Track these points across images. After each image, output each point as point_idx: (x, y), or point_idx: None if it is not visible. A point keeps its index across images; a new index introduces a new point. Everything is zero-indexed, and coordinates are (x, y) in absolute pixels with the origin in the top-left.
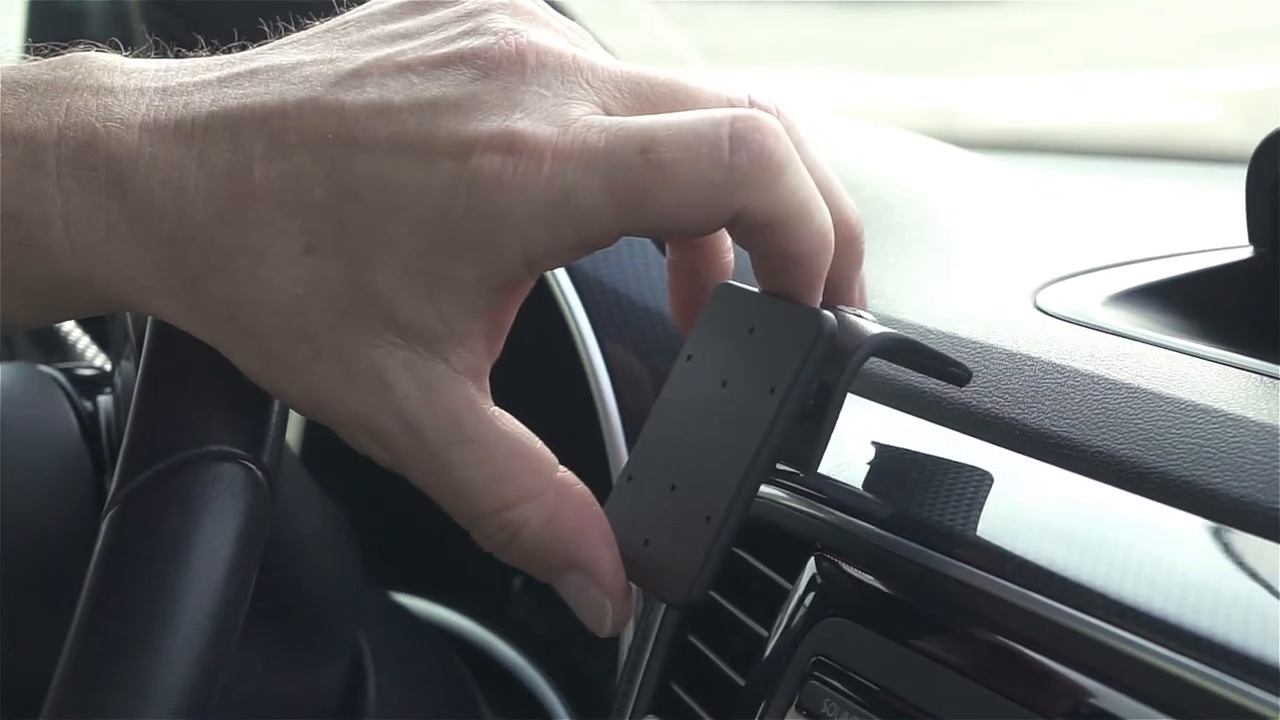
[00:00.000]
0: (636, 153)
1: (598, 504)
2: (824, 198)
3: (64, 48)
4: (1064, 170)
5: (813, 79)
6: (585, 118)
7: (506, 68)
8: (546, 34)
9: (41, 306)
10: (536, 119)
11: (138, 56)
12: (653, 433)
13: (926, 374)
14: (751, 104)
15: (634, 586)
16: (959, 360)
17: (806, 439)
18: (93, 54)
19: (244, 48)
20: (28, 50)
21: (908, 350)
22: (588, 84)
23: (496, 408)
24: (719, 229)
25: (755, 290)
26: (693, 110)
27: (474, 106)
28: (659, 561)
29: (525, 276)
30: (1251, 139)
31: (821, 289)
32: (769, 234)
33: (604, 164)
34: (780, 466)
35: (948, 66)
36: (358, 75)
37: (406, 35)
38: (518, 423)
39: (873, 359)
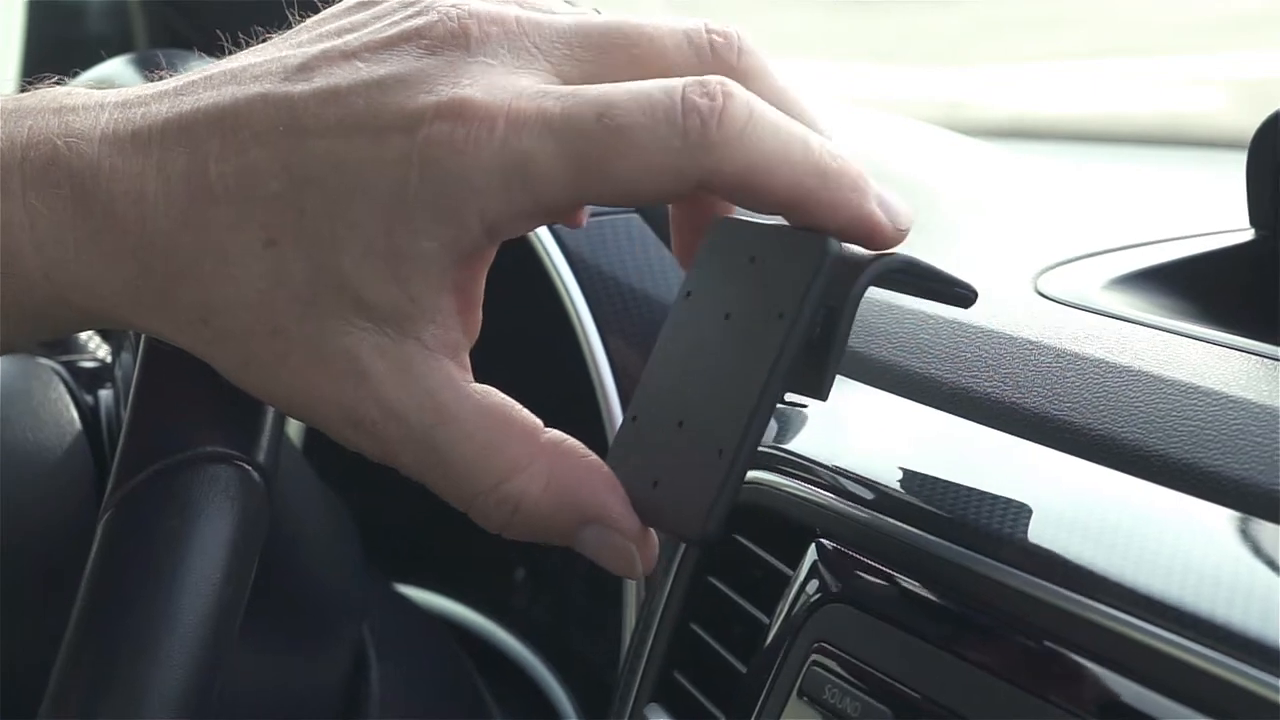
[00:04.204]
0: (593, 118)
1: (593, 454)
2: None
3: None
4: (1066, 156)
5: (817, 69)
6: (538, 86)
7: (451, 42)
8: (490, 3)
9: (31, 329)
10: (485, 87)
11: (136, 55)
12: (655, 372)
13: (934, 299)
14: (708, 31)
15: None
16: (963, 288)
17: (815, 367)
18: (58, 87)
19: (241, 47)
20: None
21: (913, 272)
22: (536, 48)
23: (478, 384)
24: (685, 194)
25: (754, 220)
26: (649, 79)
27: (420, 80)
28: (671, 501)
29: (486, 245)
30: (1255, 125)
31: (827, 219)
32: (748, 188)
33: (560, 128)
34: (792, 400)
35: (951, 55)
36: (305, 68)
37: (353, 28)
38: (501, 395)
39: (882, 298)
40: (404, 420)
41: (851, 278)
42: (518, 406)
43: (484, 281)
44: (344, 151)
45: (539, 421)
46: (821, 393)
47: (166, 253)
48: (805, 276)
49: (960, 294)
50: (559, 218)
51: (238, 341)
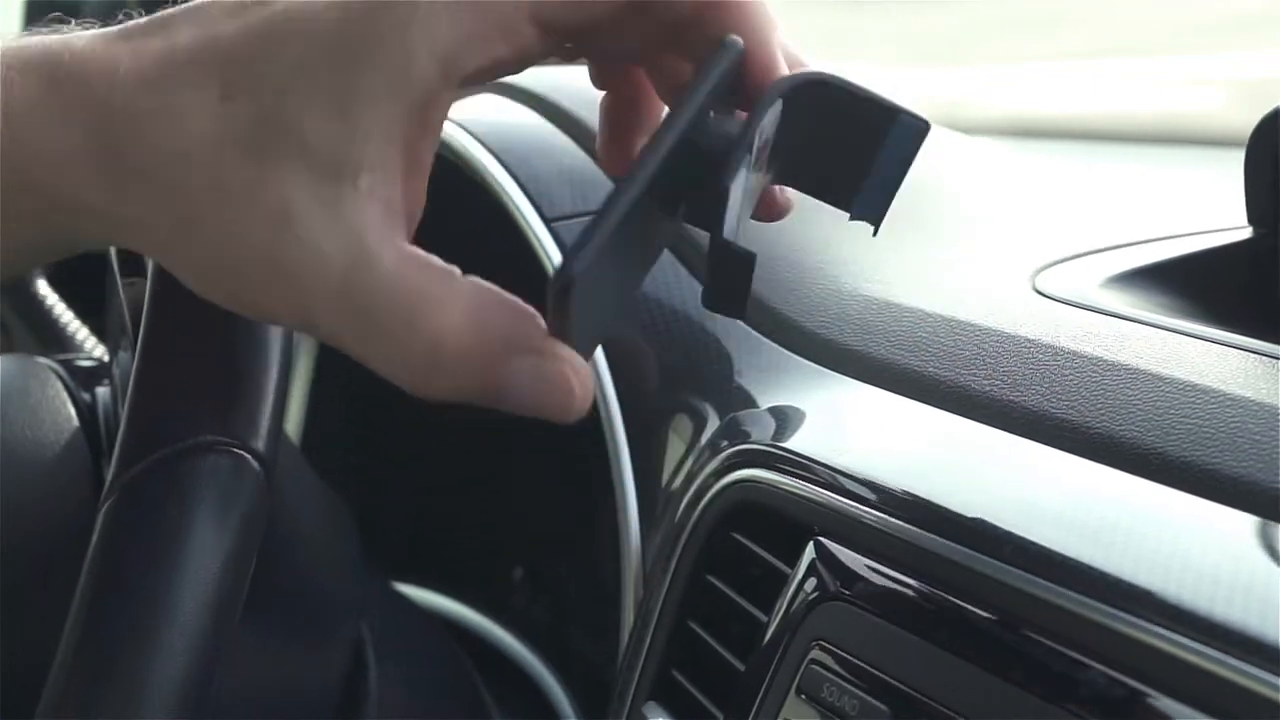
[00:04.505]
0: None
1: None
2: None
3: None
4: (1065, 155)
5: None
6: None
7: None
8: None
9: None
10: None
11: None
12: None
13: (859, 130)
14: None
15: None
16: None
17: (711, 199)
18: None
19: None
20: None
21: (830, 91)
22: None
23: (409, 245)
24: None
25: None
26: None
27: None
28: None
29: (439, 87)
30: (1253, 124)
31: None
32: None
33: None
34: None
35: (951, 55)
36: None
37: None
38: (429, 255)
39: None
40: (324, 261)
41: (762, 93)
42: (436, 259)
43: (433, 152)
44: (299, 2)
45: (457, 269)
46: (716, 229)
47: (125, 113)
48: (704, 68)
49: (887, 109)
50: (523, 54)
51: (177, 199)
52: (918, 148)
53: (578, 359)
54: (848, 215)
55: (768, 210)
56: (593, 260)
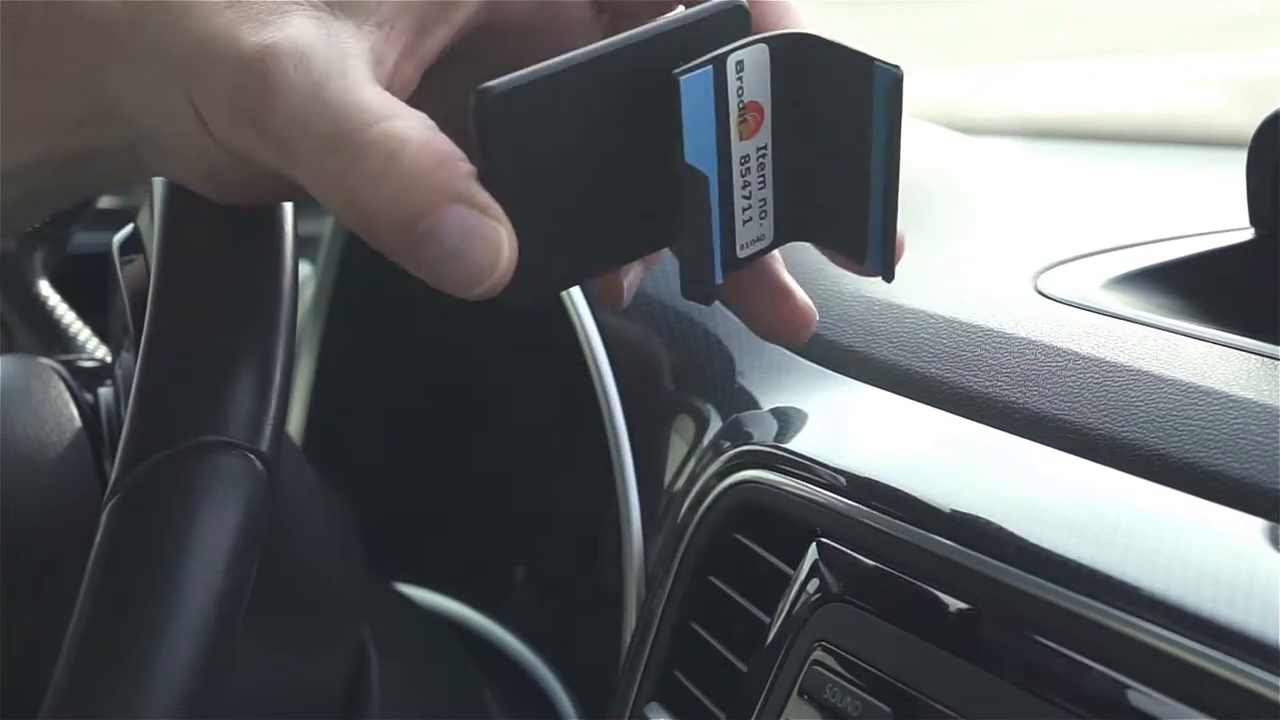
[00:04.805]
0: None
1: None
2: None
3: None
4: (1064, 155)
5: None
6: None
7: None
8: None
9: None
10: None
11: None
12: None
13: (848, 92)
14: None
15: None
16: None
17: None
18: None
19: None
20: None
21: (815, 48)
22: None
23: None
24: None
25: None
26: None
27: None
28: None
29: None
30: (1253, 124)
31: None
32: None
33: None
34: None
35: (951, 54)
36: None
37: None
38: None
39: None
40: (309, 56)
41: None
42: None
43: (436, 56)
44: None
45: None
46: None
47: None
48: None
49: (864, 62)
50: None
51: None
52: (901, 98)
53: (511, 233)
54: (860, 267)
55: (791, 318)
56: (512, 89)
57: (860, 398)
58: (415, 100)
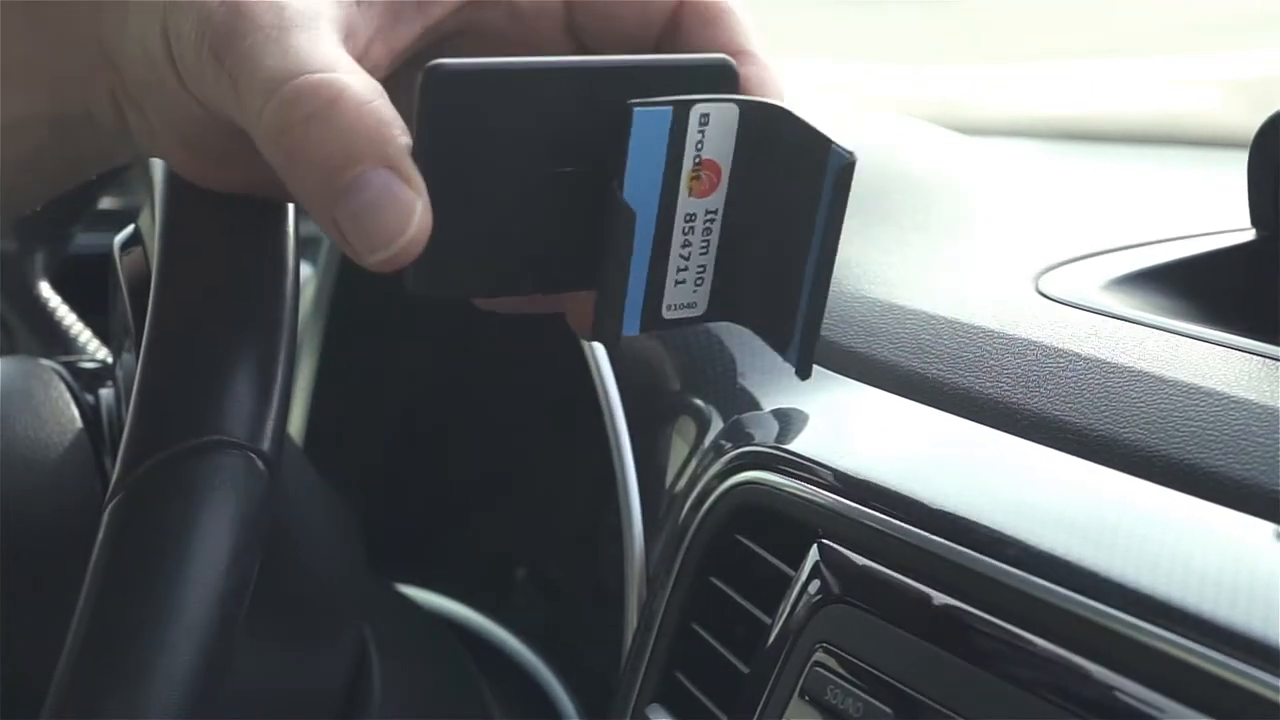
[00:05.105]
0: None
1: None
2: None
3: None
4: (1066, 156)
5: (816, 68)
6: None
7: None
8: None
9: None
10: None
11: None
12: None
13: (804, 169)
14: None
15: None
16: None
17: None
18: None
19: None
20: None
21: (783, 122)
22: None
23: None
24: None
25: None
26: None
27: None
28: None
29: None
30: (1253, 124)
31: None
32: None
33: None
34: None
35: (951, 54)
36: None
37: None
38: None
39: None
40: (284, 3)
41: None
42: None
43: (407, 47)
44: None
45: None
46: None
47: None
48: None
49: (821, 141)
50: None
51: None
52: (848, 185)
53: (429, 210)
54: (781, 358)
55: None
56: (463, 71)
57: (861, 399)
58: None
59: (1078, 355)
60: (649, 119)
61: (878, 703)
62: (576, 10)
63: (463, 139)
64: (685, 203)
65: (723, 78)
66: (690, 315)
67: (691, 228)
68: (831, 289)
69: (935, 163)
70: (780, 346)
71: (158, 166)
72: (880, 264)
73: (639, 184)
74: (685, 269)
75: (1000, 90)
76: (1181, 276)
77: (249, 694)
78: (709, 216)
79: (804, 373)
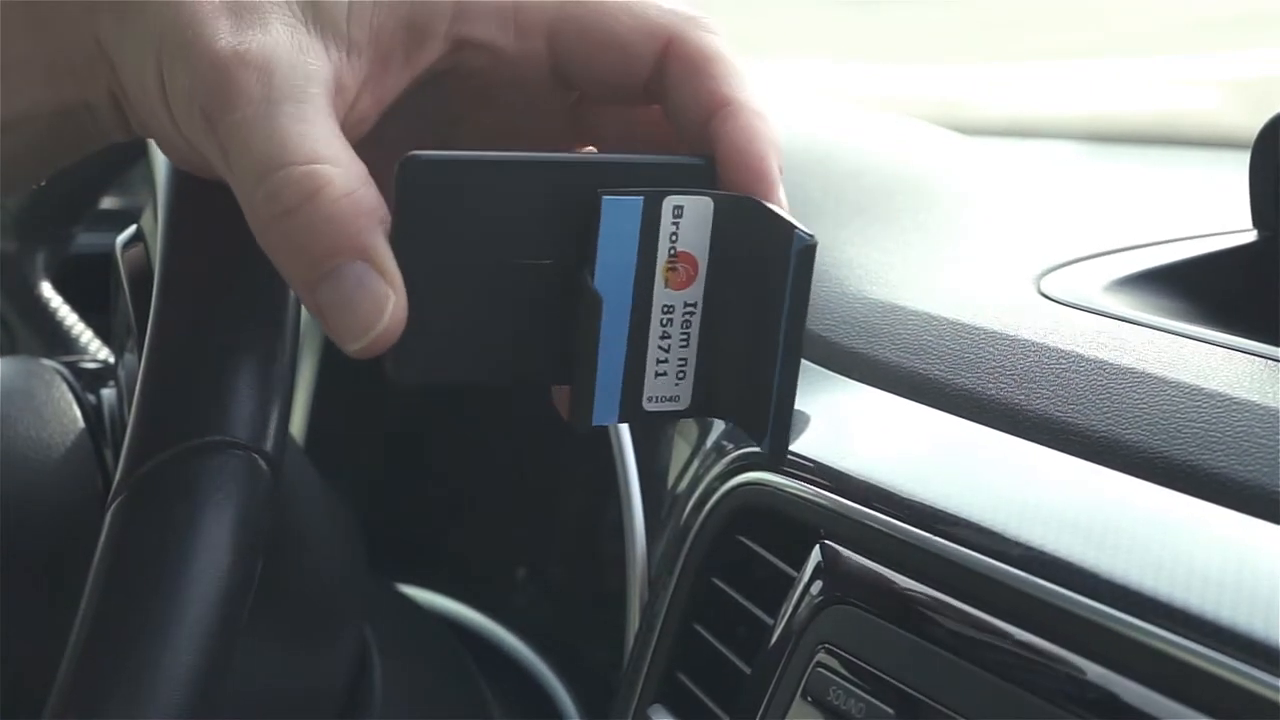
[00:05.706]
0: None
1: None
2: None
3: None
4: (1066, 156)
5: (815, 68)
6: None
7: None
8: None
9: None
10: None
11: None
12: None
13: (766, 260)
14: None
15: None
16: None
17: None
18: None
19: None
20: None
21: (748, 212)
22: None
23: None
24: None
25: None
26: None
27: None
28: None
29: (443, 46)
30: (1254, 124)
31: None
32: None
33: None
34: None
35: (951, 54)
36: None
37: None
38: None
39: None
40: (273, 70)
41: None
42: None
43: (395, 97)
44: None
45: None
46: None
47: None
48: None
49: (788, 226)
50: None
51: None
52: (810, 268)
53: (403, 302)
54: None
55: None
56: (439, 161)
57: (863, 400)
58: (370, 142)
59: (1080, 356)
60: (619, 209)
61: (880, 703)
62: (560, 55)
63: (439, 228)
64: (662, 294)
65: (702, 176)
66: (673, 409)
67: (670, 319)
68: (832, 289)
69: (936, 163)
70: (757, 436)
71: (160, 167)
72: (881, 264)
73: (611, 274)
74: (665, 360)
75: (1000, 90)
76: (1183, 277)
77: (250, 694)
78: (688, 309)
79: (777, 460)
